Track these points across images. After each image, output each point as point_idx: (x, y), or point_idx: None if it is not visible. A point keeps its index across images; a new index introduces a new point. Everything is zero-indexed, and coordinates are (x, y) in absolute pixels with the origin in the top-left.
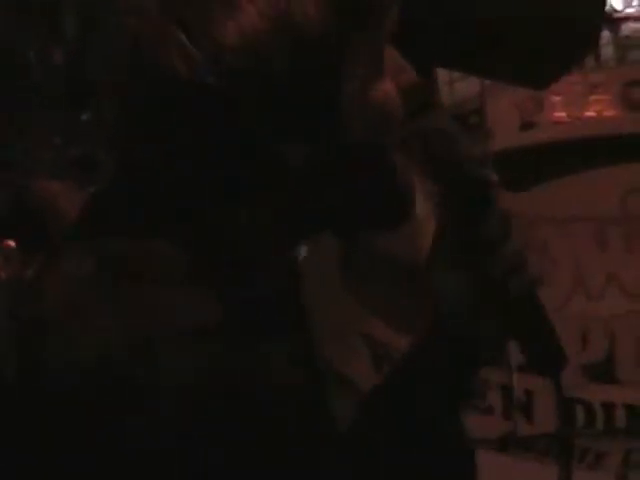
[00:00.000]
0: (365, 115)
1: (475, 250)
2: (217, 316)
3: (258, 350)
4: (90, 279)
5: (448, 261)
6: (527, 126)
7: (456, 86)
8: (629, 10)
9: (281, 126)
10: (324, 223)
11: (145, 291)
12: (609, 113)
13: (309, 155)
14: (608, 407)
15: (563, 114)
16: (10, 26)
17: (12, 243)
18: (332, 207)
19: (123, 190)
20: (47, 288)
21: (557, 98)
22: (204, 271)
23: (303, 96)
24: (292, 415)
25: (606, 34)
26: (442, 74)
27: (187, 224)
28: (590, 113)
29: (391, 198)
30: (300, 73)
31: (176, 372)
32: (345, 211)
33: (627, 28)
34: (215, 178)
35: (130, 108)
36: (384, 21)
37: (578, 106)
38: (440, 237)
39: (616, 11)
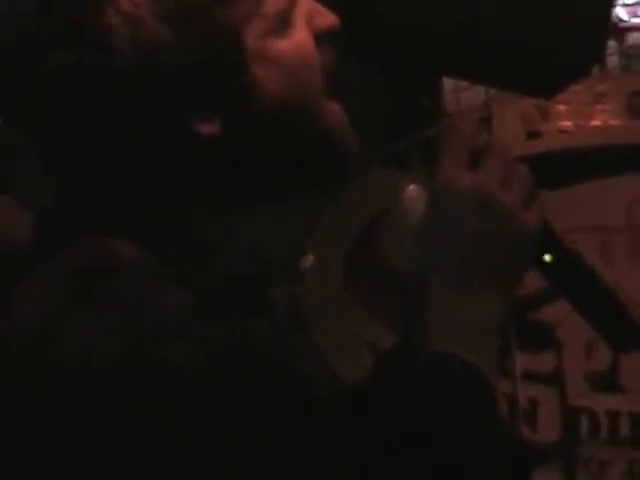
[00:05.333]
0: (274, 70)
1: None
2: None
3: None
4: (65, 292)
5: None
6: (533, 135)
7: (462, 94)
8: (634, 20)
9: (184, 97)
10: (259, 190)
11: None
12: (614, 122)
13: (225, 122)
14: (612, 416)
15: (569, 123)
16: None
17: None
18: (263, 172)
19: (75, 201)
20: (18, 303)
21: (563, 107)
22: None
23: (202, 65)
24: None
25: (612, 44)
26: (448, 82)
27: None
28: (596, 122)
29: (327, 157)
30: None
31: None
32: (278, 175)
33: (632, 38)
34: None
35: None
36: None
37: (584, 115)
38: None
39: (622, 21)
